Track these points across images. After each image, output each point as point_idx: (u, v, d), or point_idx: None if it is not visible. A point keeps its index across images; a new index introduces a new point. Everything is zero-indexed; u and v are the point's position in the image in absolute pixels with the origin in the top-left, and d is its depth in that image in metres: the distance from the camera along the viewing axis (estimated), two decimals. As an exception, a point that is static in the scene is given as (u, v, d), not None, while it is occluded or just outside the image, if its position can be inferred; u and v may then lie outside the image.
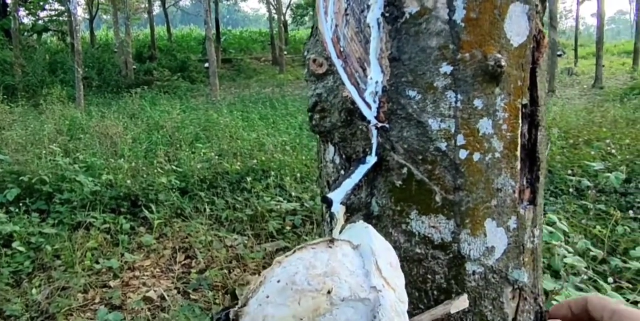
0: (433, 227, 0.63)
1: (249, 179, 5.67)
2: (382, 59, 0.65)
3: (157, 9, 29.35)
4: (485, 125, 0.63)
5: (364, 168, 0.63)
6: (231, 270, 4.32)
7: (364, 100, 0.65)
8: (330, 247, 0.50)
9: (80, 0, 22.23)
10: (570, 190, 4.53)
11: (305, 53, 0.73)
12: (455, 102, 0.62)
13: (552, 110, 8.92)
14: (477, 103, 0.63)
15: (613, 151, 5.33)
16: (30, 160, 6.01)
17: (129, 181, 5.43)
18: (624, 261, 3.06)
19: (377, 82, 0.64)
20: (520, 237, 0.66)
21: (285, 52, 21.92)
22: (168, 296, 3.89)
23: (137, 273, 4.40)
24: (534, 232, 0.68)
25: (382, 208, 0.65)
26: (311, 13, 25.37)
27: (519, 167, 0.65)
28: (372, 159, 0.63)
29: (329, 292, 0.46)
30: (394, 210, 0.64)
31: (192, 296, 3.98)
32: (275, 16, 23.50)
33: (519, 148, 0.65)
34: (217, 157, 6.29)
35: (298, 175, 5.72)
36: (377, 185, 0.65)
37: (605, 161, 5.05)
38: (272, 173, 5.70)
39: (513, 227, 0.65)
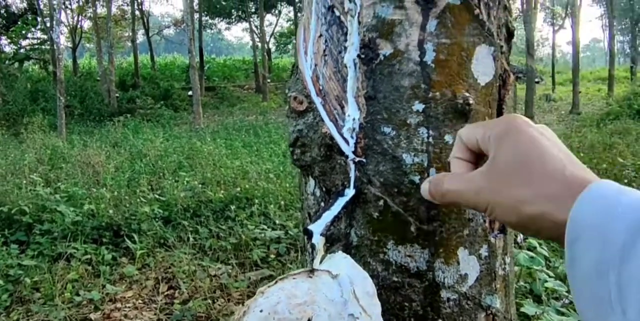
0: (409, 256, 0.66)
1: (232, 207, 5.65)
2: (359, 97, 0.69)
3: (140, 38, 29.56)
4: (455, 159, 0.67)
5: (343, 201, 0.66)
6: (215, 300, 4.26)
7: (342, 136, 0.69)
8: (310, 277, 0.53)
9: (63, 29, 22.30)
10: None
11: (287, 91, 0.77)
12: (428, 138, 0.66)
13: (531, 136, 9.09)
14: (448, 138, 0.67)
15: (591, 176, 5.44)
16: (10, 190, 5.92)
17: (111, 211, 5.38)
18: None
19: (354, 119, 0.69)
20: (492, 264, 0.70)
21: (269, 80, 22.14)
22: (151, 327, 3.82)
23: (118, 304, 4.31)
24: (505, 259, 0.72)
25: (361, 238, 0.68)
26: (294, 41, 25.78)
27: (489, 198, 0.69)
28: (350, 192, 0.67)
29: (309, 320, 0.49)
30: (371, 240, 0.67)
31: (175, 330, 3.90)
32: (259, 44, 23.82)
33: (488, 180, 0.69)
34: (200, 185, 6.27)
35: (282, 202, 5.72)
36: (355, 217, 0.69)
37: (583, 186, 5.14)
38: (256, 201, 5.69)
39: (485, 254, 0.69)
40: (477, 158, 0.51)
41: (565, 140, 8.60)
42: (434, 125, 0.67)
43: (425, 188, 0.53)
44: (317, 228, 0.62)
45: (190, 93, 15.32)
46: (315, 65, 0.74)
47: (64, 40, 25.10)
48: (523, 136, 0.45)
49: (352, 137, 0.68)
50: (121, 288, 4.38)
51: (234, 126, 12.70)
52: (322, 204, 0.72)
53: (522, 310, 2.53)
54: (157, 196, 6.07)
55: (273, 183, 6.42)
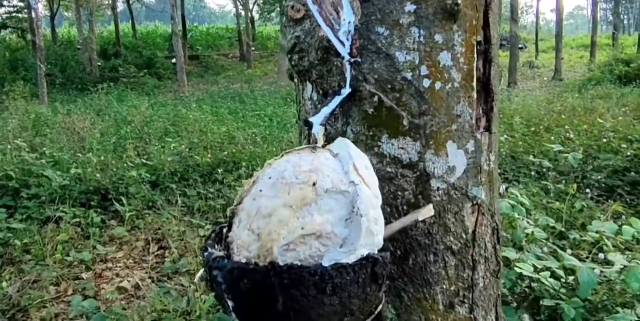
0: (401, 148, 0.71)
1: (220, 171, 5.66)
2: (354, 1, 0.72)
3: (120, 6, 28.80)
4: (445, 58, 0.72)
5: (339, 98, 0.71)
6: (205, 258, 4.29)
7: (338, 38, 0.72)
8: (313, 152, 0.58)
9: (40, -3, 21.62)
10: (532, 173, 4.71)
11: (284, 1, 0.80)
12: (419, 37, 0.71)
13: (514, 101, 9.18)
14: (438, 38, 0.71)
15: (571, 136, 5.55)
16: (-6, 156, 5.86)
17: (98, 175, 5.37)
18: (581, 236, 3.21)
19: (349, 22, 0.72)
20: (477, 158, 0.75)
21: (253, 48, 21.84)
22: (143, 285, 3.88)
23: (109, 264, 4.36)
24: (490, 156, 0.78)
25: (357, 134, 0.73)
26: (278, 9, 25.33)
27: (475, 97, 0.74)
28: (346, 90, 0.71)
29: (314, 184, 0.53)
30: (366, 135, 0.72)
31: (167, 284, 3.96)
32: (242, 12, 23.38)
33: (475, 79, 0.74)
34: (187, 150, 6.26)
35: (269, 165, 5.75)
36: (351, 115, 0.73)
37: (564, 146, 5.25)
38: (244, 164, 5.71)
39: (471, 149, 0.74)
40: None
41: (548, 104, 8.70)
42: (425, 25, 0.71)
43: None
44: (317, 119, 0.67)
45: (174, 61, 15.06)
46: (312, -25, 0.77)
47: (41, 8, 24.34)
48: None
49: (347, 39, 0.72)
50: (112, 249, 4.43)
51: (219, 94, 12.58)
52: (319, 106, 0.76)
53: (503, 254, 2.63)
54: (143, 161, 6.06)
55: (260, 147, 6.44)
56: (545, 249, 2.93)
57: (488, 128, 0.77)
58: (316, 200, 0.53)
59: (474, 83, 0.74)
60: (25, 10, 18.53)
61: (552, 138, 5.55)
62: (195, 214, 5.00)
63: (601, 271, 2.24)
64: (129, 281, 4.03)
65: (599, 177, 4.59)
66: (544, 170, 4.59)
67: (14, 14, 20.79)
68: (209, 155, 6.16)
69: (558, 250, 2.79)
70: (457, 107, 0.73)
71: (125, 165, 5.86)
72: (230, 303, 0.54)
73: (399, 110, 0.70)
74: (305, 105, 0.81)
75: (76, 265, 4.20)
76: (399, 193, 0.72)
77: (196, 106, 9.72)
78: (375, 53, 0.71)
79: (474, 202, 0.75)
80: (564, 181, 4.60)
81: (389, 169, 0.72)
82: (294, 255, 0.53)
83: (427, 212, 0.68)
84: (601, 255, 2.72)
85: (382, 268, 0.56)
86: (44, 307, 3.57)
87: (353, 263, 0.53)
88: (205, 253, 0.57)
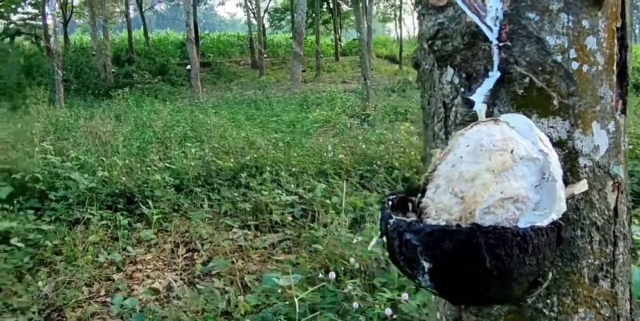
0: (551, 127, 0.75)
1: (243, 175, 5.70)
2: (502, -10, 0.77)
3: (132, 13, 29.12)
4: (591, 42, 0.76)
5: (491, 81, 0.75)
6: (235, 260, 4.34)
7: (485, 24, 0.77)
8: (497, 124, 0.62)
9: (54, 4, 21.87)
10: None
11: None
12: (567, 22, 0.75)
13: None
14: (585, 23, 0.75)
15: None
16: (21, 158, 5.92)
17: (124, 178, 5.42)
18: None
19: (497, 9, 0.76)
20: (617, 138, 0.79)
21: (265, 55, 21.98)
22: (177, 286, 3.91)
23: (139, 266, 4.39)
24: (625, 137, 0.82)
25: (505, 114, 0.77)
26: (288, 18, 25.51)
27: (615, 80, 0.78)
28: (495, 74, 0.75)
29: (512, 151, 0.57)
30: (516, 116, 0.76)
31: (198, 286, 3.99)
32: (254, 20, 23.58)
33: (615, 64, 0.78)
34: (210, 153, 6.32)
35: (293, 169, 5.79)
36: (499, 96, 0.77)
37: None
38: (267, 168, 5.74)
39: (612, 129, 0.78)
40: None
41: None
42: (573, 11, 0.75)
43: None
44: (478, 98, 0.71)
45: (188, 67, 15.18)
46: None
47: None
48: None
49: (495, 25, 0.76)
50: (140, 251, 4.46)
51: (234, 100, 12.68)
52: (462, 90, 0.80)
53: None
54: (167, 164, 6.11)
55: (282, 152, 6.49)
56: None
57: (623, 111, 0.81)
58: (513, 166, 0.57)
59: (615, 67, 0.78)
60: (39, 17, 18.75)
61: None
62: (223, 217, 5.04)
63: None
64: (160, 282, 4.07)
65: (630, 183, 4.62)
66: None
67: (28, 21, 21.03)
68: (232, 160, 6.21)
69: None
70: (601, 89, 0.77)
71: (149, 169, 5.91)
72: (426, 265, 0.58)
73: (550, 91, 0.74)
74: (444, 89, 0.85)
75: (107, 266, 4.24)
76: (548, 170, 0.76)
77: (213, 112, 9.80)
78: (526, 37, 0.75)
79: (615, 180, 0.79)
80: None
81: (539, 147, 0.76)
82: (493, 218, 0.56)
83: (581, 186, 0.72)
84: (641, 258, 2.73)
85: (565, 233, 0.60)
86: (79, 307, 3.61)
87: (547, 227, 0.57)
88: (392, 220, 0.61)
